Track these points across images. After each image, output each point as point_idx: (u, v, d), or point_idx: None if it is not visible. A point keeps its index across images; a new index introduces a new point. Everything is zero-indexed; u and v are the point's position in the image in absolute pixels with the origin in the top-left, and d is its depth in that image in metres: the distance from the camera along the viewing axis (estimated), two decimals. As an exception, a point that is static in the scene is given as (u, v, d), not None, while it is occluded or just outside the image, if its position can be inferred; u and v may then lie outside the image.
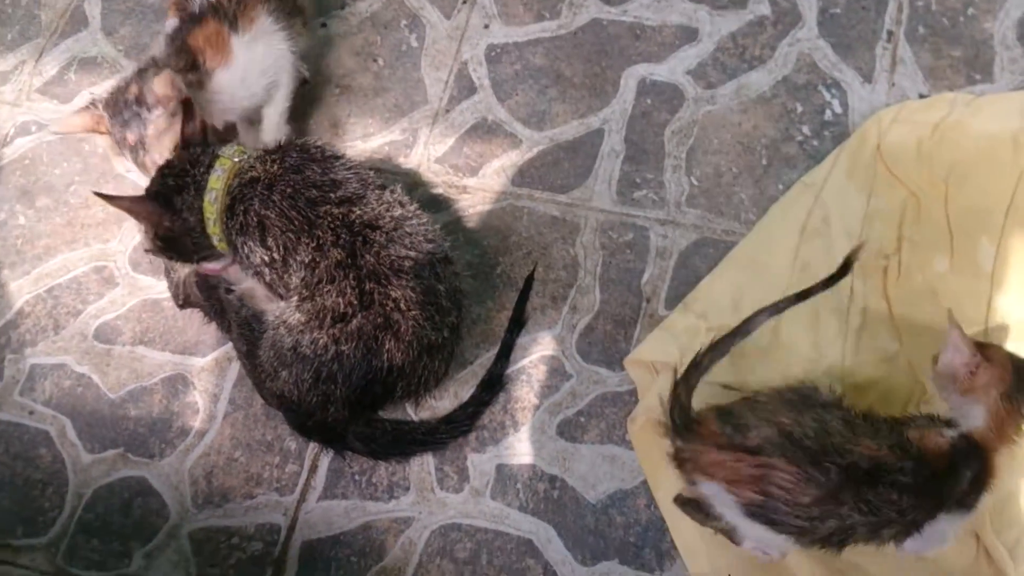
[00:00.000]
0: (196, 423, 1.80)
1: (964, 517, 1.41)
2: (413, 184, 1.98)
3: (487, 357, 1.79)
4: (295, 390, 1.60)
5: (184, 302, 1.87)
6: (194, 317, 1.88)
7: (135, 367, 1.85)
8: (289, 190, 1.54)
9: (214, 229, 1.59)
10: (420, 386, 1.65)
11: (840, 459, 1.33)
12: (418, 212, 1.61)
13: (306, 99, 2.08)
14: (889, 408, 1.56)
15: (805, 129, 1.96)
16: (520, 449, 1.72)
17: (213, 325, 1.85)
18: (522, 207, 1.94)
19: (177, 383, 1.83)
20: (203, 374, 1.84)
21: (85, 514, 1.73)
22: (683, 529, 1.60)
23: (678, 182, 1.93)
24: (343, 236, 1.51)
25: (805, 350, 1.72)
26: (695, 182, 1.93)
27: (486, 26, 2.16)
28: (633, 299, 1.83)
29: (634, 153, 1.97)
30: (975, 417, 1.42)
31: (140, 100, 1.70)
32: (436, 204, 1.96)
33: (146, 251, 1.70)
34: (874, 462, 1.33)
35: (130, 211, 1.63)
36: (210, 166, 1.59)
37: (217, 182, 1.57)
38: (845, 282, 1.72)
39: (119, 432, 1.80)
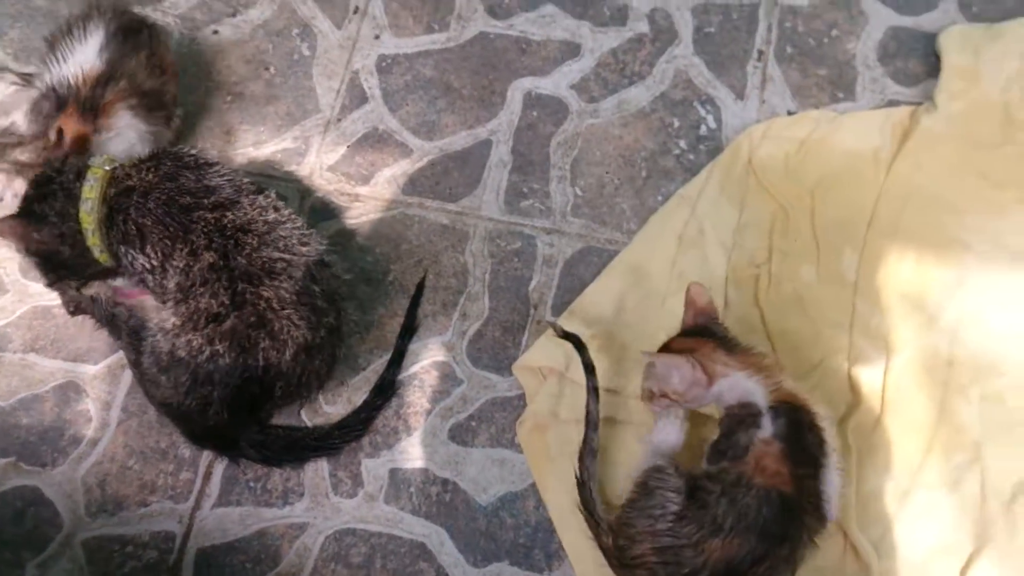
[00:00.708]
0: (89, 431, 1.80)
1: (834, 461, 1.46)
2: (305, 191, 2.01)
3: (380, 363, 1.83)
4: (175, 394, 1.62)
5: (75, 309, 1.86)
6: (85, 324, 1.87)
7: (26, 375, 1.85)
8: (164, 197, 1.57)
9: (94, 240, 1.61)
10: (302, 387, 1.68)
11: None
12: (292, 216, 1.64)
13: (198, 106, 2.09)
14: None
15: (682, 143, 2.05)
16: (413, 453, 1.77)
17: (105, 332, 1.85)
18: (413, 215, 1.99)
19: (69, 391, 1.83)
20: (95, 382, 1.84)
21: (-25, 525, 1.73)
22: (570, 530, 1.66)
23: (563, 192, 2.00)
24: (216, 240, 1.54)
25: (682, 359, 1.79)
26: (579, 192, 2.00)
27: (377, 37, 2.20)
28: (521, 306, 1.89)
29: (521, 164, 2.04)
30: (748, 383, 1.47)
31: None
32: (328, 212, 1.99)
33: (46, 286, 1.71)
34: (728, 560, 1.37)
35: None
36: (80, 175, 1.60)
37: (91, 192, 1.59)
38: (720, 292, 1.84)
39: (10, 441, 1.79)
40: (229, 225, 1.56)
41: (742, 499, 1.37)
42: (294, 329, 1.58)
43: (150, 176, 1.59)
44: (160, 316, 1.60)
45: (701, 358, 1.50)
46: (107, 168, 1.61)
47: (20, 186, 1.71)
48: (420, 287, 1.90)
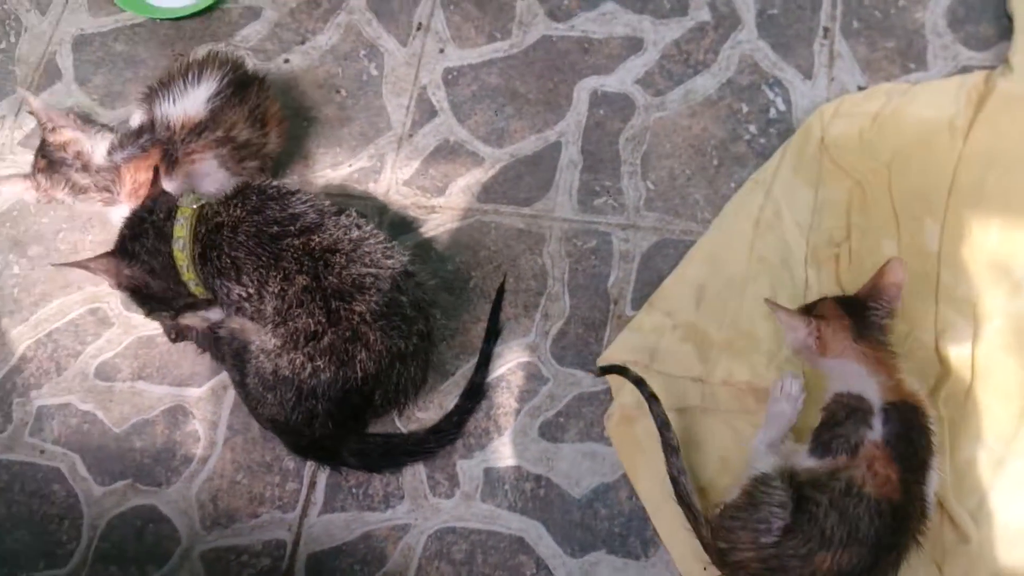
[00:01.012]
0: (198, 450, 1.88)
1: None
2: (383, 208, 2.06)
3: (467, 368, 1.87)
4: (281, 410, 1.69)
5: (176, 336, 1.94)
6: (187, 350, 1.95)
7: (136, 401, 1.93)
8: (253, 229, 1.63)
9: (189, 275, 1.69)
10: (399, 393, 1.72)
11: None
12: (375, 232, 1.69)
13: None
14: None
15: (752, 128, 2.04)
16: (505, 452, 1.80)
17: (206, 356, 1.93)
18: (489, 222, 2.02)
19: (177, 414, 1.91)
20: (200, 403, 1.92)
21: (101, 543, 1.82)
22: (664, 517, 1.68)
23: (635, 187, 2.01)
24: (306, 263, 1.60)
25: (766, 342, 1.79)
26: (651, 186, 2.01)
27: (441, 51, 2.24)
28: (601, 302, 1.91)
29: (592, 162, 2.05)
30: (861, 376, 1.48)
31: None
32: (407, 225, 2.04)
33: (146, 316, 1.81)
34: (837, 573, 1.37)
35: (89, 269, 1.72)
36: (170, 215, 1.68)
37: (181, 230, 1.67)
38: (800, 274, 1.83)
39: (126, 464, 1.88)
40: (317, 248, 1.62)
41: (852, 511, 1.37)
42: (387, 339, 1.63)
43: (238, 211, 1.66)
44: (260, 338, 1.66)
45: (824, 329, 1.53)
46: (194, 207, 1.69)
47: (64, 197, 1.87)
48: (501, 291, 1.93)
